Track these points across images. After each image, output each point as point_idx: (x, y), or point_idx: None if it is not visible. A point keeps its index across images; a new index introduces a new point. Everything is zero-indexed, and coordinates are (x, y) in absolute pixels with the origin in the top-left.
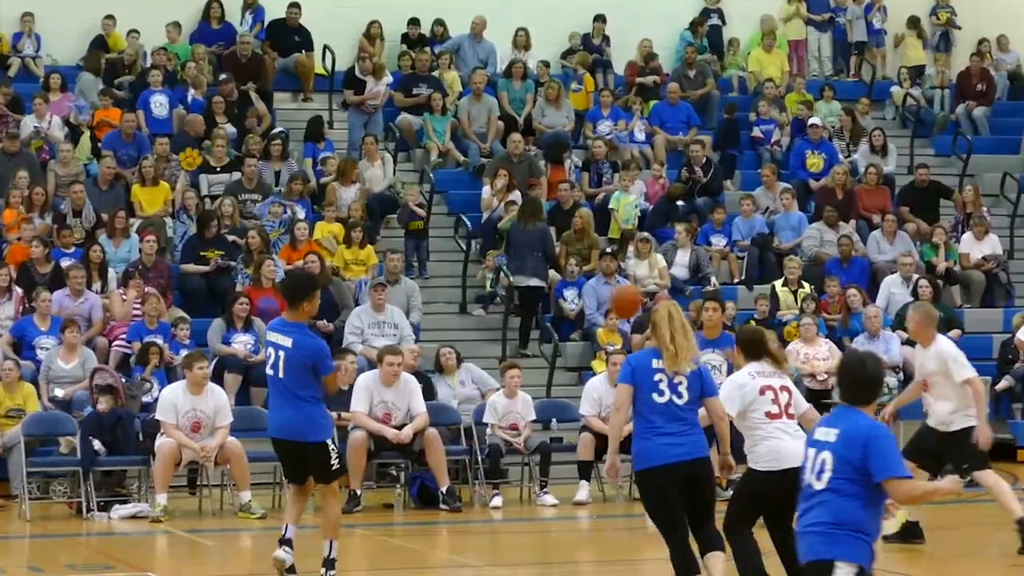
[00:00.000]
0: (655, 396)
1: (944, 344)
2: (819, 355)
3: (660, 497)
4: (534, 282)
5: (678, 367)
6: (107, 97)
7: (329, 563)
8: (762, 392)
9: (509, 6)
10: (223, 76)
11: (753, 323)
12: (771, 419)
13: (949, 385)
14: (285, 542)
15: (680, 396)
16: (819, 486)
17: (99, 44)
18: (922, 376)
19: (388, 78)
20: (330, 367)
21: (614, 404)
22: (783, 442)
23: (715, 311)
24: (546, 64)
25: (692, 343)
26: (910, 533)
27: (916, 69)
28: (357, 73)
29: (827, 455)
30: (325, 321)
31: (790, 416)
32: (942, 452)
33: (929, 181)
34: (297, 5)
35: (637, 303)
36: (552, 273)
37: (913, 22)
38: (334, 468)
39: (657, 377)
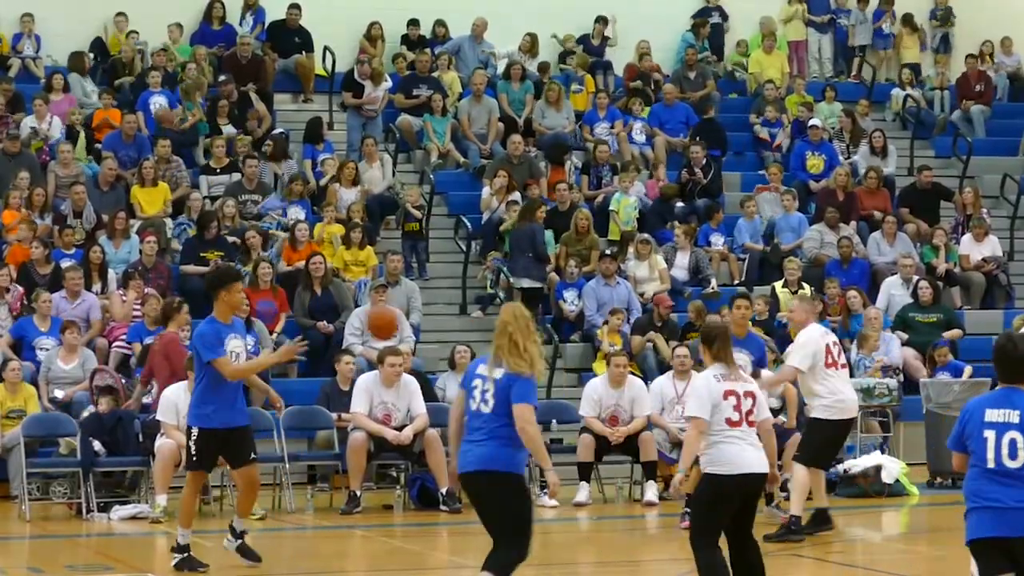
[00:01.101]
0: (470, 401)
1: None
2: None
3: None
4: (526, 283)
5: (489, 372)
6: (108, 97)
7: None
8: (725, 397)
9: (510, 7)
10: (222, 77)
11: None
12: (731, 426)
13: None
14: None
15: (486, 403)
16: (1015, 465)
17: (99, 45)
18: None
19: (387, 84)
20: (209, 354)
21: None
22: (743, 449)
23: (746, 309)
24: (546, 65)
25: (518, 349)
26: (821, 520)
27: (912, 67)
28: (356, 76)
29: (1017, 435)
30: (325, 322)
31: (751, 424)
32: None
33: (932, 183)
34: (297, 6)
35: (393, 325)
36: (552, 274)
37: (907, 19)
38: (192, 457)
39: (475, 383)
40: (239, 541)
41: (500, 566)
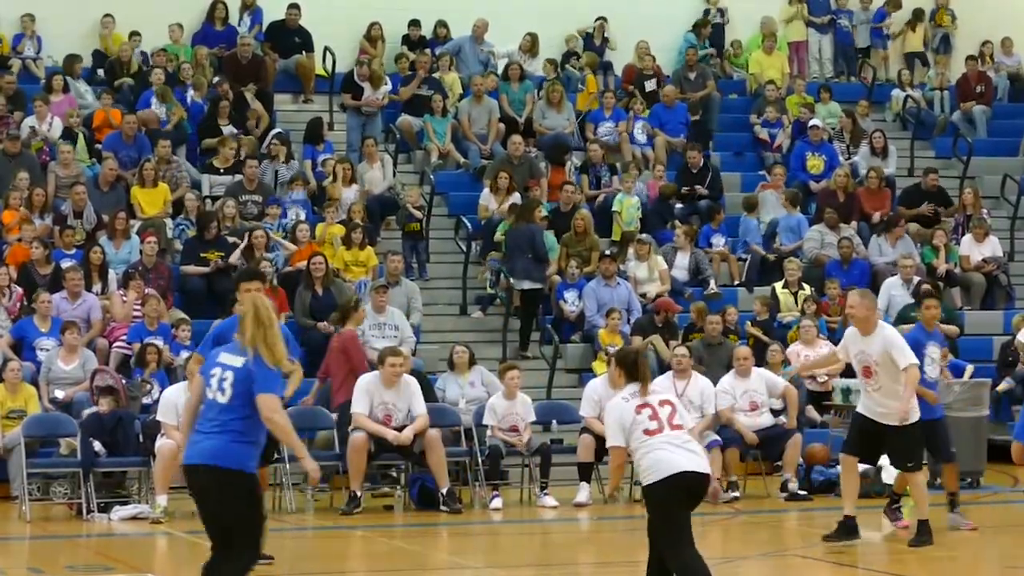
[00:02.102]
0: (206, 390)
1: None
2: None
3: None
4: (526, 284)
5: (231, 360)
6: (107, 97)
7: None
8: (638, 411)
9: (510, 7)
10: (216, 79)
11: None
12: (650, 435)
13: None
14: None
15: (223, 392)
16: None
17: (97, 46)
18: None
19: (386, 87)
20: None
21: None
22: (670, 452)
23: (935, 308)
24: (552, 63)
25: (265, 339)
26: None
27: (917, 56)
28: (356, 78)
29: None
30: (326, 323)
31: (675, 427)
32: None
33: (936, 187)
34: (296, 6)
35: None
36: (554, 276)
37: (917, 14)
38: None
39: (213, 371)
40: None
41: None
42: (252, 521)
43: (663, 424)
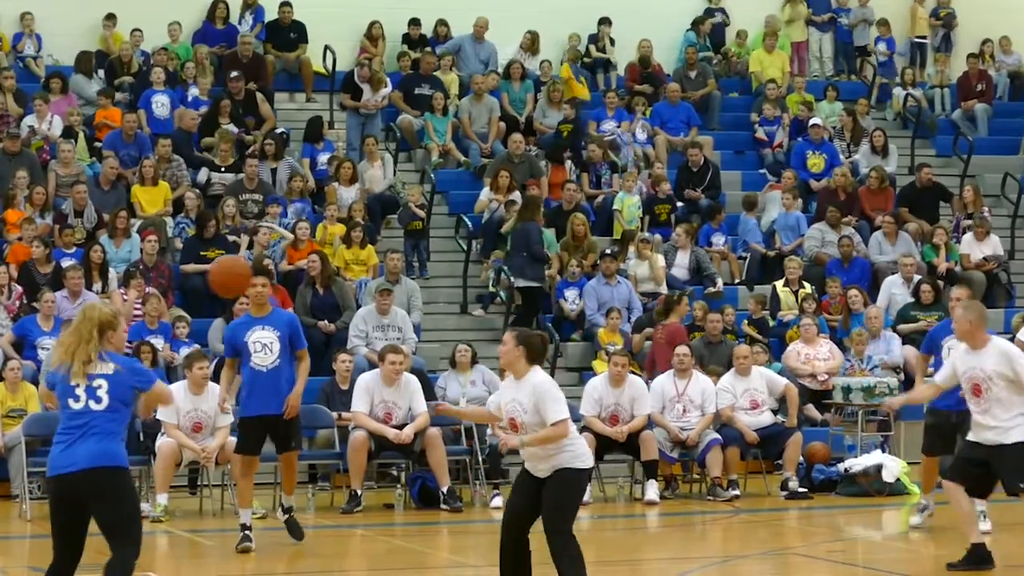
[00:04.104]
0: (69, 400)
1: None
2: (819, 355)
3: None
4: (522, 282)
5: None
6: (106, 98)
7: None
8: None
9: (510, 6)
10: (234, 74)
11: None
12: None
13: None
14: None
15: (98, 401)
16: None
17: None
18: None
19: (386, 88)
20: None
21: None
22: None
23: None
24: (549, 64)
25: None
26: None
27: (919, 45)
28: (356, 79)
29: None
30: (326, 321)
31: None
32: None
33: (932, 182)
34: (288, 3)
35: (242, 282)
36: (553, 274)
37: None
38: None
39: (75, 381)
40: (288, 516)
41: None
42: (134, 513)
43: None
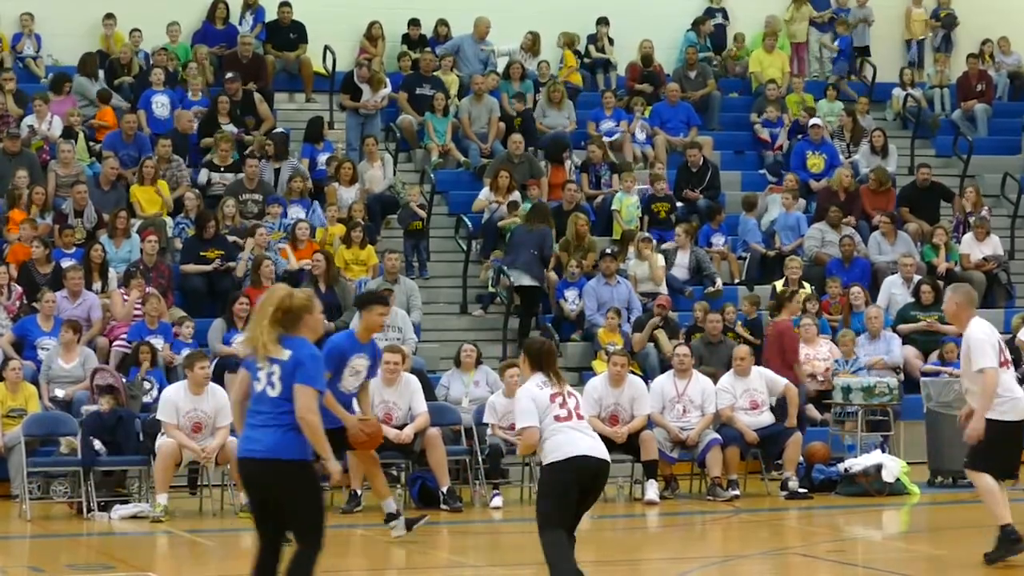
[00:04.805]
0: (254, 384)
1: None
2: (819, 355)
3: None
4: (526, 280)
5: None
6: (100, 99)
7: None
8: (552, 399)
9: (511, 6)
10: (230, 75)
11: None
12: (560, 421)
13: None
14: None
15: (272, 386)
16: None
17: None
18: None
19: (386, 89)
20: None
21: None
22: (573, 437)
23: None
24: (548, 64)
25: (262, 328)
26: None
27: (918, 44)
28: (355, 80)
29: None
30: (326, 319)
31: (580, 416)
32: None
33: (930, 182)
34: (287, 3)
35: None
36: (552, 275)
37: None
38: None
39: (260, 364)
40: (400, 519)
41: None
42: (316, 508)
43: (571, 413)
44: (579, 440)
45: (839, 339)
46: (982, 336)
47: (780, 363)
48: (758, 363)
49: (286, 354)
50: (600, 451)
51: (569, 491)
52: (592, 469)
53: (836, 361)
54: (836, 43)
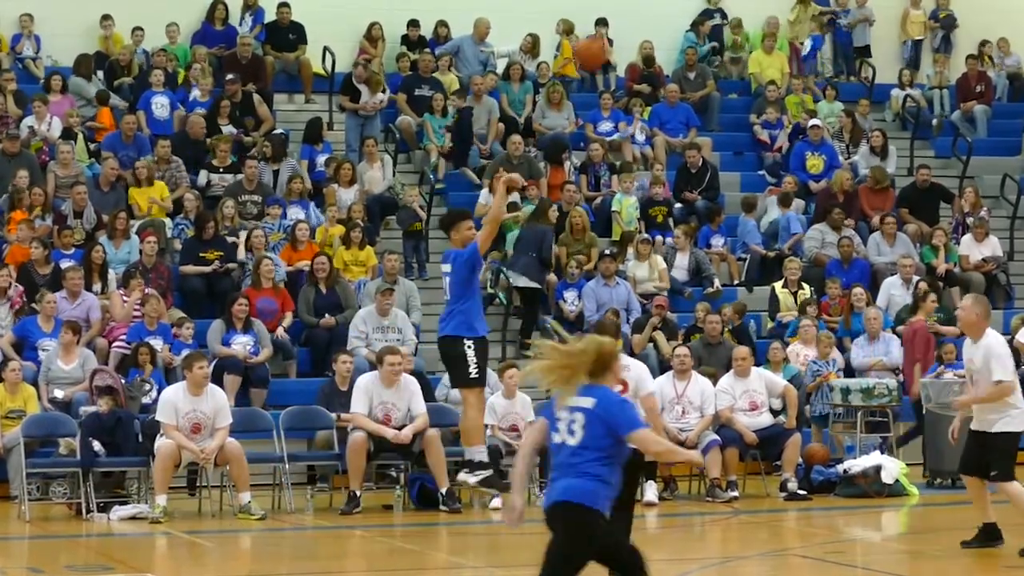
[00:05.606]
0: (553, 434)
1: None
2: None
3: None
4: (523, 282)
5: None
6: (98, 100)
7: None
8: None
9: (510, 7)
10: (230, 76)
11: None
12: None
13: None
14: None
15: (572, 435)
16: None
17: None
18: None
19: (383, 95)
20: None
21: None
22: None
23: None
24: (546, 65)
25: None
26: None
27: (916, 44)
28: (354, 80)
29: None
30: (327, 315)
31: None
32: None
33: (930, 183)
34: (286, 4)
35: None
36: (551, 276)
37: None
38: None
39: (559, 413)
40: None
41: None
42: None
43: None
44: None
45: (819, 339)
46: (1005, 350)
47: (913, 361)
48: (758, 364)
49: (590, 402)
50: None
51: None
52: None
53: (815, 363)
54: (808, 41)
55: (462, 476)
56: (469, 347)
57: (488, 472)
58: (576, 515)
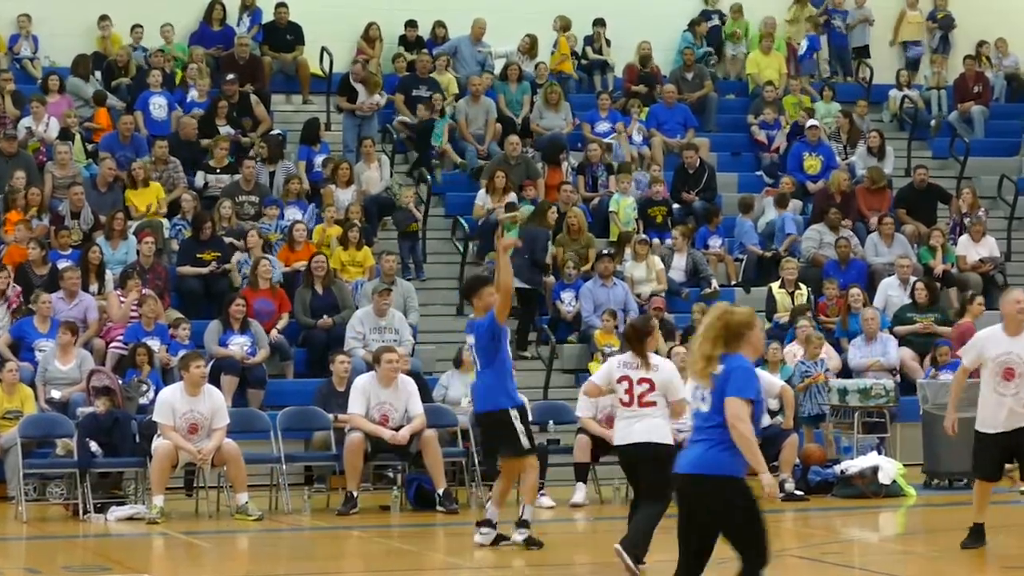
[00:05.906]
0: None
1: None
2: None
3: None
4: (517, 283)
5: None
6: (95, 101)
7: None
8: (619, 381)
9: (508, 8)
10: (230, 77)
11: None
12: (623, 406)
13: None
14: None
15: (704, 401)
16: None
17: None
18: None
19: (380, 98)
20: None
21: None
22: (629, 424)
23: None
24: (545, 66)
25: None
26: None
27: (913, 44)
28: (351, 80)
29: None
30: (325, 316)
31: (644, 404)
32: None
33: (927, 183)
34: (284, 4)
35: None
36: (548, 277)
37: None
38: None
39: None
40: (527, 532)
41: None
42: (752, 524)
43: (634, 399)
44: (633, 428)
45: (808, 339)
46: None
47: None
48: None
49: (719, 369)
50: (649, 434)
51: (628, 476)
52: (627, 455)
53: (803, 363)
54: (805, 41)
55: (516, 537)
56: (515, 418)
57: (530, 531)
58: (708, 487)
